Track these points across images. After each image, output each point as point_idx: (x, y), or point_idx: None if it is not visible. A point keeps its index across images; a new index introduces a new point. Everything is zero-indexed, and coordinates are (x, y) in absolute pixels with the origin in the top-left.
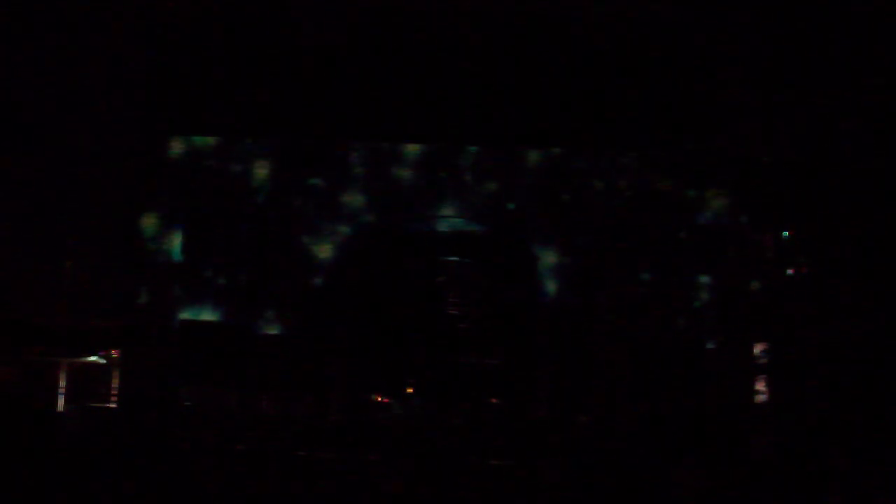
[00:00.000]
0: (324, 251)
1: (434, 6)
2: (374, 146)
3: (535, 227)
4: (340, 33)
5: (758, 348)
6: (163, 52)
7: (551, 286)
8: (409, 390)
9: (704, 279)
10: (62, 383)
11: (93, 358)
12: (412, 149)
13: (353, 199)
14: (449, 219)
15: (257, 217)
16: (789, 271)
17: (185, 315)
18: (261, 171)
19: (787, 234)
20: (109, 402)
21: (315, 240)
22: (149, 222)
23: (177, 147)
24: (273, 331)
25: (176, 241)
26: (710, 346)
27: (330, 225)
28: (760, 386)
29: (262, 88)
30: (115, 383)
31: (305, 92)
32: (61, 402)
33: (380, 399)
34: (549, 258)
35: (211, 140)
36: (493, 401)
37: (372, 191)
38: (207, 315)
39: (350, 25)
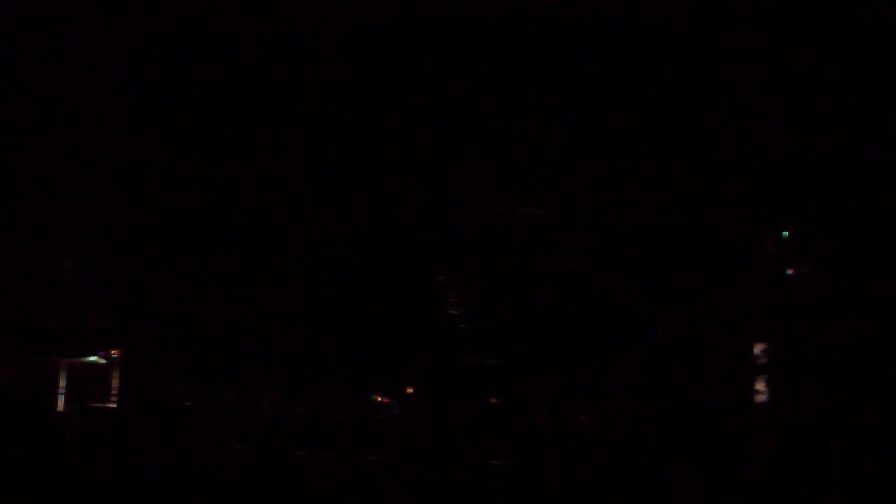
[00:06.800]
0: (324, 251)
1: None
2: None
3: (535, 229)
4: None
5: (758, 348)
6: (161, 54)
7: (551, 286)
8: (409, 390)
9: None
10: (62, 383)
11: (93, 358)
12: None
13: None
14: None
15: (258, 216)
16: (789, 271)
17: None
18: (263, 169)
19: (787, 234)
20: (109, 402)
21: (316, 240)
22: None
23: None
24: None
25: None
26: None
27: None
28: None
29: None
30: (115, 383)
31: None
32: (61, 402)
33: (380, 399)
34: (549, 259)
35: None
36: (493, 401)
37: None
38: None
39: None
